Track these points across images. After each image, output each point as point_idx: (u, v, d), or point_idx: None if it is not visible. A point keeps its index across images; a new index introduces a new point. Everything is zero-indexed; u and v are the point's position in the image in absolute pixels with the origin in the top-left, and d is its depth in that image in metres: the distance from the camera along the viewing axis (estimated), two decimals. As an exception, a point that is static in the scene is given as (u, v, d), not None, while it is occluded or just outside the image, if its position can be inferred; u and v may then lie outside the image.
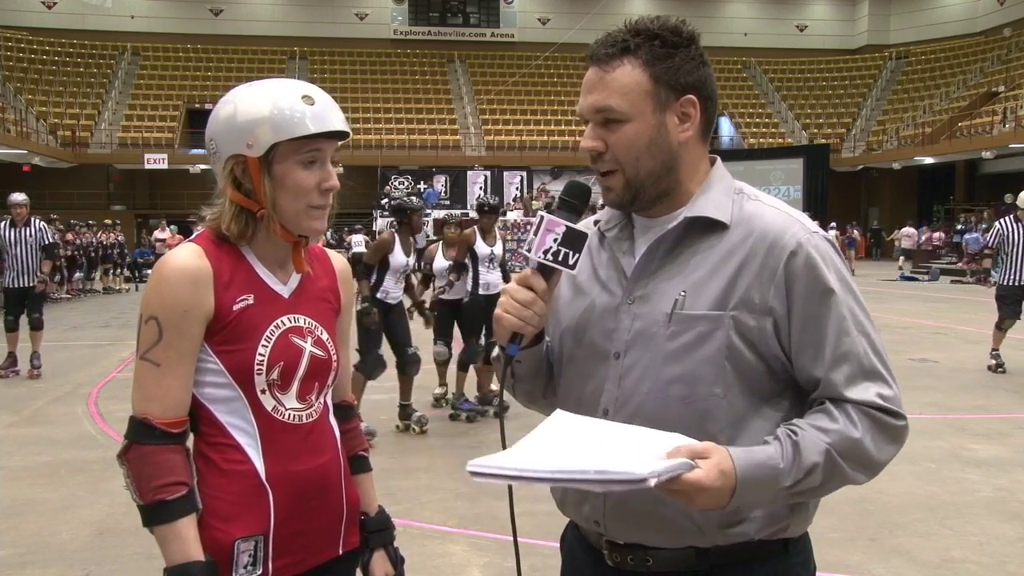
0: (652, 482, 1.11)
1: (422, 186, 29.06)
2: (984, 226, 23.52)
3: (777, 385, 1.38)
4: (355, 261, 19.94)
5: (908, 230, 28.83)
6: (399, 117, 35.61)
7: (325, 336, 1.64)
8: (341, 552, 1.68)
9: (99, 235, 20.52)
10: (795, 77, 40.53)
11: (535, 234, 1.36)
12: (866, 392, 1.32)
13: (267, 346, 1.54)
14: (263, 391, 1.55)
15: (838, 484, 1.32)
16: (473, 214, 26.82)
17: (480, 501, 4.74)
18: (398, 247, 6.33)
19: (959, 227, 27.60)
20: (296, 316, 1.60)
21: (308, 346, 1.60)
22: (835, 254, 1.39)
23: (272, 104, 1.50)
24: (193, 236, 1.60)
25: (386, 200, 27.38)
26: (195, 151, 31.23)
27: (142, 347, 1.51)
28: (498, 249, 6.95)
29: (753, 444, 1.32)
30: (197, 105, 33.58)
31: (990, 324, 9.22)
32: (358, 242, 20.31)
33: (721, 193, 1.42)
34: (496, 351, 1.47)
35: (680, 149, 1.40)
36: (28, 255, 8.93)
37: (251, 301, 1.55)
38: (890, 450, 1.34)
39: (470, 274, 6.90)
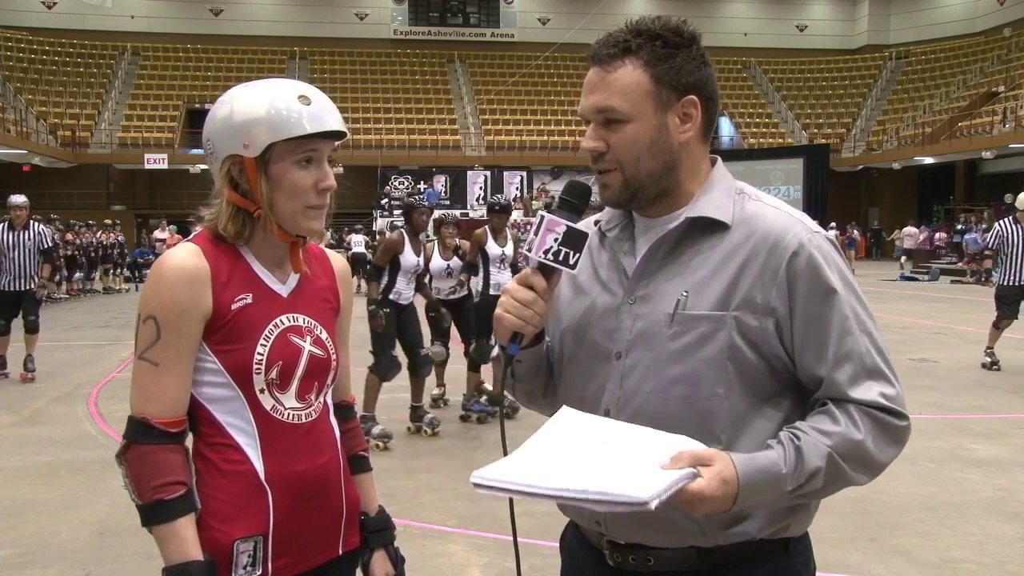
0: (653, 504, 1.13)
1: (422, 186, 29.06)
2: (984, 226, 23.54)
3: (778, 385, 1.38)
4: (355, 261, 19.83)
5: (910, 229, 28.85)
6: (399, 117, 35.62)
7: (324, 335, 1.64)
8: (341, 552, 1.67)
9: (99, 235, 20.52)
10: (795, 77, 40.54)
11: (535, 234, 1.37)
12: (869, 392, 1.32)
13: (266, 345, 1.54)
14: (262, 390, 1.54)
15: (841, 486, 1.33)
16: (473, 214, 26.96)
17: (480, 501, 4.74)
18: (408, 247, 6.26)
19: (959, 227, 27.63)
20: (295, 315, 1.60)
21: (307, 345, 1.60)
22: (837, 254, 1.39)
23: (268, 104, 1.50)
24: (191, 236, 1.60)
25: (386, 200, 27.42)
26: (195, 151, 31.22)
27: (140, 347, 1.51)
28: (509, 249, 6.91)
29: (754, 443, 1.33)
30: (197, 105, 33.56)
31: (990, 324, 9.27)
32: (358, 242, 20.38)
33: (722, 193, 1.42)
34: (496, 351, 1.47)
35: (681, 149, 1.40)
36: (25, 259, 8.71)
37: (249, 300, 1.55)
38: (892, 451, 1.34)
39: (481, 274, 6.86)
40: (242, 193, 1.53)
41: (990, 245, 9.67)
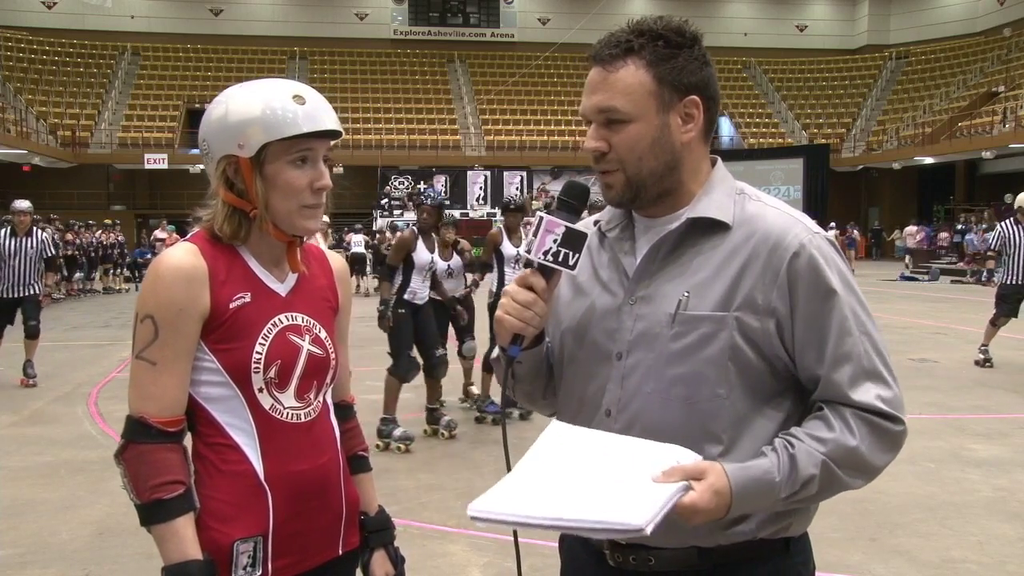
0: (649, 530, 1.14)
1: (422, 186, 29.06)
2: (984, 226, 23.56)
3: (779, 385, 1.38)
4: (354, 261, 19.69)
5: (912, 228, 28.86)
6: (399, 117, 35.61)
7: (323, 334, 1.63)
8: (341, 552, 1.67)
9: (99, 235, 20.53)
10: (795, 77, 40.53)
11: (535, 235, 1.37)
12: (866, 393, 1.32)
13: (264, 344, 1.54)
14: (260, 389, 1.54)
15: (836, 491, 1.34)
16: (473, 214, 26.93)
17: (480, 501, 4.74)
18: (421, 245, 6.15)
19: (959, 227, 27.65)
20: (293, 314, 1.60)
21: (306, 344, 1.59)
22: (837, 255, 1.39)
23: (263, 104, 1.49)
24: (188, 236, 1.60)
25: (386, 200, 27.43)
26: (195, 151, 31.01)
27: (138, 346, 1.51)
28: (524, 249, 6.89)
29: (755, 443, 1.34)
30: (197, 105, 33.53)
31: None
32: (358, 242, 20.37)
33: (723, 194, 1.42)
34: (496, 352, 1.47)
35: (683, 150, 1.40)
36: (25, 266, 8.41)
37: (247, 299, 1.54)
38: (887, 456, 1.35)
39: (495, 273, 6.80)
40: (238, 193, 1.53)
41: (992, 246, 9.83)
